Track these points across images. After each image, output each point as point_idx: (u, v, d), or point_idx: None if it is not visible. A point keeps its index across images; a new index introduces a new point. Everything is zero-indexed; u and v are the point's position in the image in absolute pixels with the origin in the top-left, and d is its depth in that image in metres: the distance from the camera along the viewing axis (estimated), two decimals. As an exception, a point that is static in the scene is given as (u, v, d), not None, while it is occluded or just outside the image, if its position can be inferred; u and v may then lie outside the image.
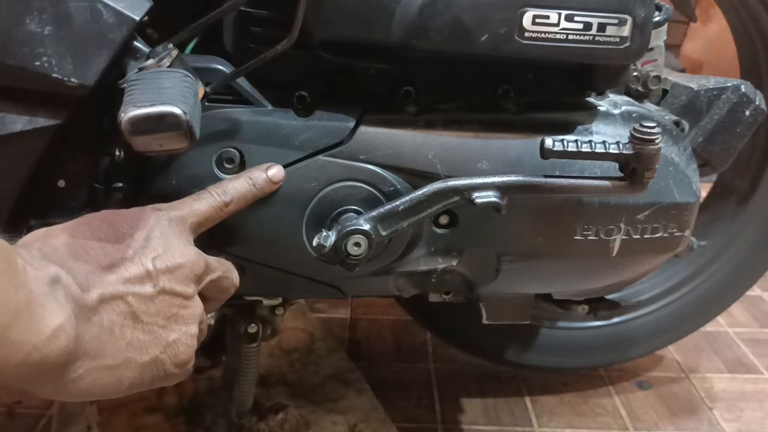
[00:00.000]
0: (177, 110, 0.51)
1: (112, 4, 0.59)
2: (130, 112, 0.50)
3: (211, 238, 0.73)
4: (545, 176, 0.70)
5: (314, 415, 1.14)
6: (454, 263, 0.78)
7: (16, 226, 0.77)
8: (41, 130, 0.61)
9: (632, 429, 1.20)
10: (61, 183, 0.75)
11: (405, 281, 0.82)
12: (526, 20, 0.66)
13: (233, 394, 0.97)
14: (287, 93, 0.73)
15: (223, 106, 0.71)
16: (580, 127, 0.76)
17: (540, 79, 0.78)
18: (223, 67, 0.70)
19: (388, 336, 1.42)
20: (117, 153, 0.74)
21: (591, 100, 0.81)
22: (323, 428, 1.11)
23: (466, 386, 1.28)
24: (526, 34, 0.67)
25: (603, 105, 0.80)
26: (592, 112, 0.78)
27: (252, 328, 0.88)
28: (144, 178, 0.73)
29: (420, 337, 1.41)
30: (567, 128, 0.76)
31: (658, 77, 0.90)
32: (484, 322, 0.87)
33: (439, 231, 0.76)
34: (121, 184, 0.74)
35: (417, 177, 0.73)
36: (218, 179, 0.71)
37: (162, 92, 0.52)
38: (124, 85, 0.58)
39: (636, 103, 0.84)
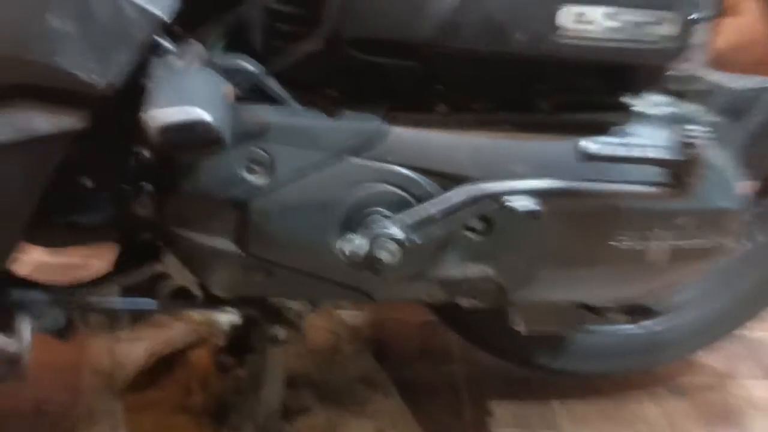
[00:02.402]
0: (208, 118, 0.49)
1: (136, 0, 0.57)
2: (159, 120, 0.49)
3: (239, 242, 0.72)
4: (587, 181, 0.67)
5: (341, 418, 1.12)
6: (488, 270, 0.76)
7: (40, 226, 0.77)
8: (63, 132, 0.60)
9: (666, 437, 1.17)
10: (88, 182, 0.74)
11: (436, 287, 0.79)
12: (565, 18, 0.64)
13: (259, 396, 0.96)
14: (315, 92, 0.71)
15: (250, 105, 0.70)
16: (618, 129, 0.73)
17: (575, 78, 0.75)
18: (250, 65, 0.68)
19: (415, 337, 1.40)
20: (143, 152, 0.73)
21: (628, 100, 0.78)
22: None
23: (495, 390, 1.25)
24: (564, 33, 0.64)
25: (641, 105, 0.77)
26: (630, 113, 0.75)
27: (278, 332, 0.87)
28: (170, 179, 0.71)
29: (447, 339, 1.39)
30: (605, 130, 0.73)
31: (696, 76, 0.87)
32: (524, 333, 0.84)
33: (472, 236, 0.74)
34: (147, 185, 0.74)
35: (448, 180, 0.71)
36: (246, 182, 0.70)
37: (191, 95, 0.50)
38: (150, 84, 0.57)
39: (675, 103, 0.81)
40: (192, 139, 0.50)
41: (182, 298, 0.88)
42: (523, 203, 0.67)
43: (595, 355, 1.17)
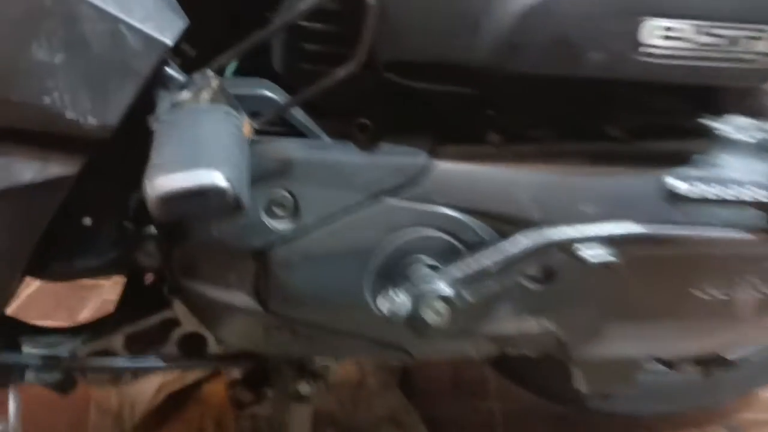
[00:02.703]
0: (222, 182, 0.38)
1: (138, 25, 0.47)
2: (160, 188, 0.38)
3: (258, 298, 0.62)
4: (673, 224, 0.57)
5: (368, 465, 1.03)
6: (548, 324, 0.66)
7: (36, 271, 0.68)
8: (55, 180, 0.50)
9: (724, 481, 1.06)
10: (87, 221, 0.66)
11: (485, 343, 0.69)
12: (650, 34, 0.53)
13: (282, 453, 0.86)
14: (346, 121, 0.61)
15: (271, 139, 0.60)
16: (704, 160, 0.62)
17: (652, 101, 0.65)
18: (272, 93, 0.59)
19: (446, 369, 1.30)
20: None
21: (710, 123, 0.67)
22: (378, 481, 1.00)
23: (534, 429, 1.16)
24: (649, 51, 0.54)
25: (726, 129, 0.66)
26: (717, 139, 0.64)
27: (303, 387, 0.77)
28: (178, 223, 0.61)
29: (482, 371, 1.29)
30: (688, 160, 0.62)
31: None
32: (584, 392, 0.74)
33: (531, 286, 0.63)
34: (152, 229, 0.64)
35: (504, 223, 0.61)
36: (266, 228, 0.60)
37: (200, 147, 0.40)
38: (155, 126, 0.46)
39: (762, 126, 0.70)
40: (202, 208, 0.39)
41: (194, 347, 0.78)
42: (596, 253, 0.56)
43: (649, 395, 1.06)
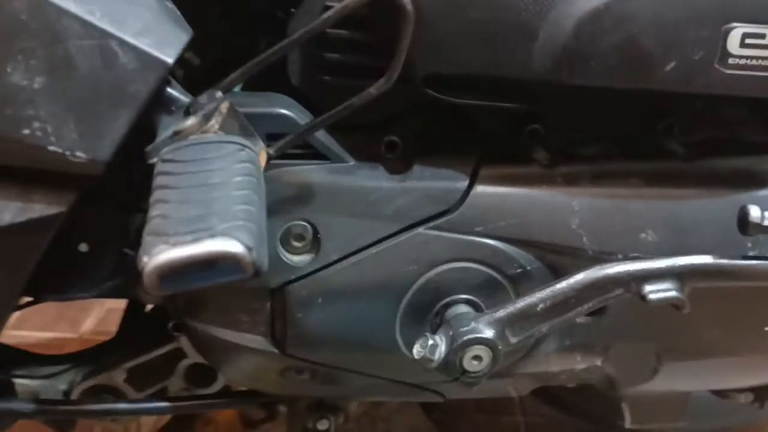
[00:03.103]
0: (238, 250, 0.30)
1: (132, 41, 0.39)
2: (160, 259, 0.30)
3: (274, 339, 0.55)
4: (747, 258, 0.50)
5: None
6: (598, 362, 0.59)
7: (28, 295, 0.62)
8: (39, 221, 0.43)
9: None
10: (83, 247, 0.60)
11: (526, 381, 0.63)
12: (734, 41, 0.46)
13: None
14: (373, 139, 0.54)
15: (289, 162, 0.52)
16: (780, 181, 0.55)
17: (713, 109, 0.57)
18: (290, 112, 0.51)
19: (467, 381, 1.24)
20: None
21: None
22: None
23: (561, 445, 1.10)
24: (732, 61, 0.46)
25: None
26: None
27: (322, 425, 0.70)
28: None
29: (505, 384, 1.23)
30: (763, 182, 0.55)
31: None
32: (628, 426, 0.68)
33: (579, 320, 0.57)
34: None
35: (554, 253, 0.54)
36: (282, 262, 0.53)
37: (209, 201, 0.32)
38: (154, 161, 0.39)
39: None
40: (212, 277, 0.32)
41: (203, 378, 0.72)
42: (662, 291, 0.49)
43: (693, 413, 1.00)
